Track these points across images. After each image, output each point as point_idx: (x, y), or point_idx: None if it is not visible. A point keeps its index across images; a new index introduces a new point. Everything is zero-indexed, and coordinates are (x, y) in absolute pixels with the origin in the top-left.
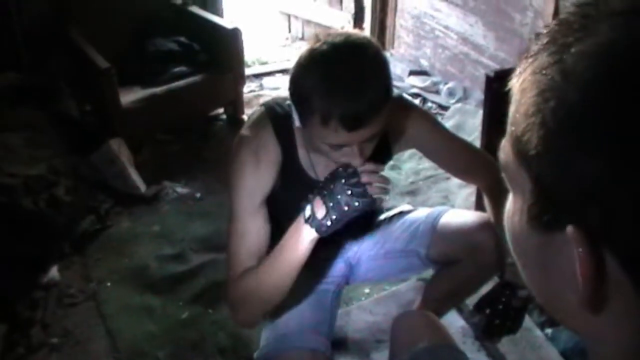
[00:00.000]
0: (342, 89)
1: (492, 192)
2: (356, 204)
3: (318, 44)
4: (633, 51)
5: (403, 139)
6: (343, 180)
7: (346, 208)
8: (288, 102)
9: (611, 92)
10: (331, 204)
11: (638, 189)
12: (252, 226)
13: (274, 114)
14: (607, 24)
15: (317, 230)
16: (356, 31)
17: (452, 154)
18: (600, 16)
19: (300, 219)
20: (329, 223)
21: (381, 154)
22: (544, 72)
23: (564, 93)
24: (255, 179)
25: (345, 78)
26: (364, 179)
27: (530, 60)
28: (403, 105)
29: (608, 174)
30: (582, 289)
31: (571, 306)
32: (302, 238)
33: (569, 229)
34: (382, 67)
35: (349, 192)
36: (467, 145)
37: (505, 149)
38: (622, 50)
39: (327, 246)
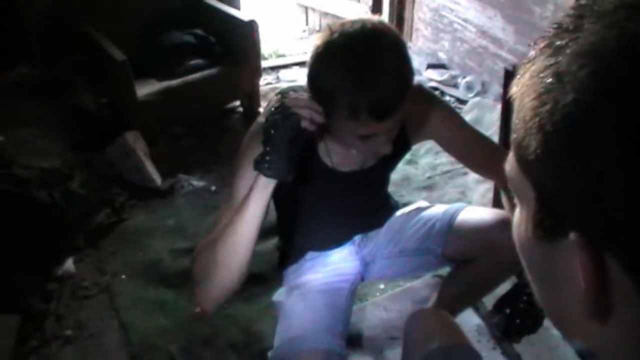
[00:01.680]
0: (368, 81)
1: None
2: (278, 120)
3: (334, 36)
4: (625, 48)
5: (421, 129)
6: (277, 116)
7: (273, 131)
8: (305, 91)
9: (606, 91)
10: (267, 139)
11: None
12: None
13: None
14: (601, 23)
15: (258, 170)
16: (369, 16)
17: (469, 146)
18: (593, 16)
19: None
20: (267, 158)
21: (399, 144)
22: (540, 75)
23: (559, 95)
24: None
25: (369, 69)
26: (291, 99)
27: (528, 65)
28: (421, 95)
29: (608, 175)
30: (585, 295)
31: (579, 318)
32: (250, 186)
33: (571, 235)
34: (402, 51)
35: (280, 121)
36: (485, 139)
37: (509, 159)
38: (615, 47)
39: (339, 242)
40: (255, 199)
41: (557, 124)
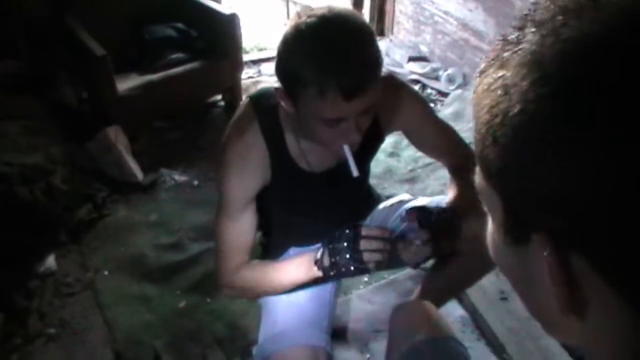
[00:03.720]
0: (337, 55)
1: (456, 172)
2: (352, 268)
3: (302, 19)
4: (561, 54)
5: (393, 119)
6: (345, 243)
7: (343, 269)
8: (275, 89)
9: (546, 98)
10: (333, 260)
11: (595, 189)
12: (240, 224)
13: (259, 107)
14: (539, 32)
15: (322, 274)
16: (338, 5)
17: (432, 136)
18: (533, 25)
19: (312, 256)
20: (331, 273)
21: (372, 135)
22: (491, 89)
23: (507, 107)
24: (243, 180)
25: (338, 48)
26: (363, 244)
27: (481, 77)
28: (394, 84)
29: (562, 178)
30: (556, 294)
31: (559, 317)
32: (308, 273)
33: (535, 237)
34: (370, 35)
35: (347, 255)
36: (446, 128)
37: (477, 172)
38: (552, 54)
39: (321, 237)
40: (307, 280)
41: (507, 135)
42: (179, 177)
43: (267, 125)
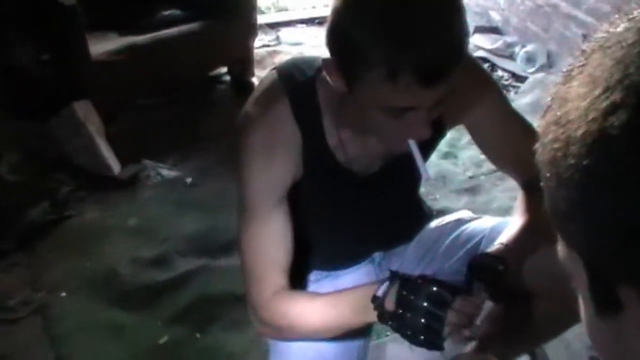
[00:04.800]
0: (415, 32)
1: (528, 189)
2: (421, 337)
3: None
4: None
5: (462, 112)
6: (426, 303)
7: (409, 332)
8: (324, 61)
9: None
10: (400, 311)
11: None
12: (272, 230)
13: (291, 82)
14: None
15: (378, 317)
16: None
17: (505, 138)
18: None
19: (369, 292)
20: (389, 323)
21: (433, 130)
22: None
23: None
24: (270, 173)
25: (416, 18)
26: (450, 317)
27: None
28: (473, 69)
29: None
30: None
31: None
32: (362, 314)
33: (622, 291)
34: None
35: (423, 320)
36: (525, 129)
37: (559, 241)
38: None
39: (353, 260)
40: (360, 324)
41: (572, 163)
42: (168, 172)
43: (301, 104)
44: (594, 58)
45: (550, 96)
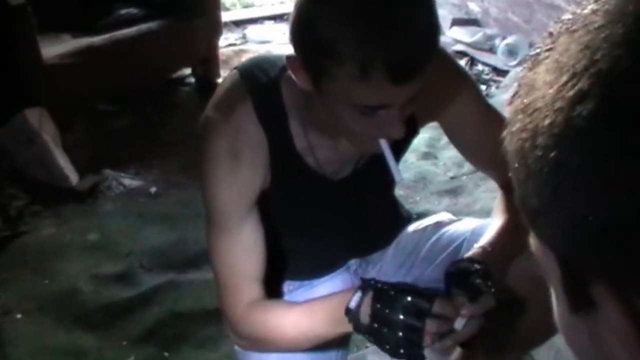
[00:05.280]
0: (386, 26)
1: (509, 191)
2: (401, 350)
3: None
4: None
5: (432, 106)
6: (402, 316)
7: (388, 347)
8: (288, 59)
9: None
10: (376, 326)
11: None
12: (243, 241)
13: (254, 82)
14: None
15: (354, 330)
16: None
17: (482, 137)
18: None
19: (343, 302)
20: (366, 336)
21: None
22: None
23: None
24: (237, 181)
25: (387, 11)
26: (429, 327)
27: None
28: (446, 63)
29: (628, 209)
30: (627, 354)
31: None
32: (338, 326)
33: (594, 289)
34: None
35: (401, 334)
36: (504, 128)
37: (531, 234)
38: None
39: (328, 268)
40: (335, 335)
41: (541, 155)
42: (130, 182)
43: (266, 107)
44: (560, 42)
45: (518, 81)
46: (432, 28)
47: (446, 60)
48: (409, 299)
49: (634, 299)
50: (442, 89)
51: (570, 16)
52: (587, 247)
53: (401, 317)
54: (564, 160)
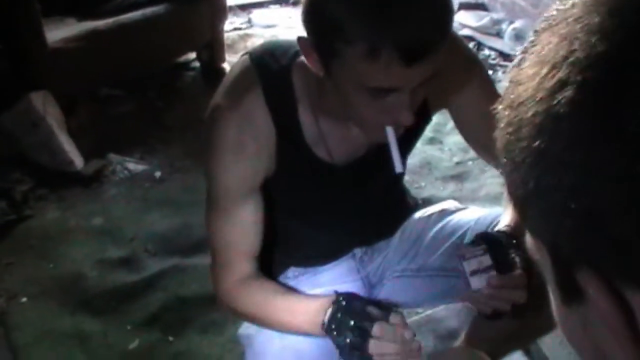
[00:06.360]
0: (397, 7)
1: None
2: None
3: None
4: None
5: (444, 93)
6: (348, 339)
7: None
8: (299, 40)
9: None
10: (337, 335)
11: None
12: (241, 222)
13: (264, 68)
14: None
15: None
16: None
17: (491, 126)
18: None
19: (322, 310)
20: (336, 347)
21: (418, 113)
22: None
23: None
24: (240, 168)
25: None
26: (373, 346)
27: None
28: (459, 49)
29: (611, 198)
30: (617, 343)
31: None
32: (316, 330)
33: (581, 277)
34: None
35: (348, 340)
36: None
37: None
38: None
39: (333, 256)
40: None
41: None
42: (135, 167)
43: (275, 94)
44: (542, 37)
45: (507, 80)
46: (445, 9)
47: (459, 46)
48: (352, 322)
49: (620, 285)
50: (455, 74)
51: (553, 12)
52: (572, 235)
53: (348, 340)
54: (545, 148)
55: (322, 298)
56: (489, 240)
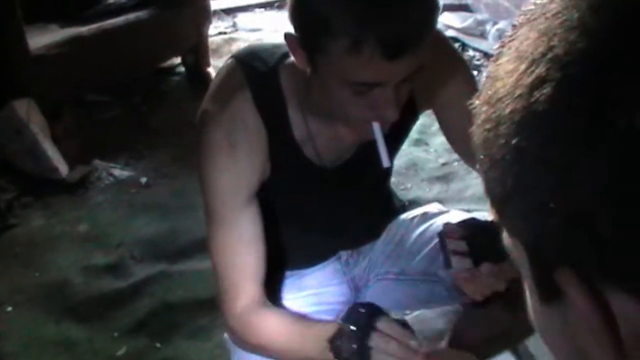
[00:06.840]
0: (381, 1)
1: None
2: None
3: None
4: None
5: (433, 94)
6: (354, 327)
7: None
8: (286, 37)
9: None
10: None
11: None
12: (243, 234)
13: (251, 71)
14: None
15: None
16: None
17: (470, 126)
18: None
19: (327, 330)
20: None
21: (405, 112)
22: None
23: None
24: (235, 172)
25: None
26: (376, 340)
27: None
28: (444, 46)
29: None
30: (596, 344)
31: None
32: (326, 352)
33: (560, 275)
34: None
35: (355, 346)
36: None
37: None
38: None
39: (319, 258)
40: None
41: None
42: (121, 173)
43: (264, 95)
44: (521, 32)
45: (485, 75)
46: (429, 5)
47: (444, 44)
48: (354, 346)
49: (600, 286)
50: (440, 71)
51: (532, 7)
52: (552, 235)
53: (353, 327)
54: (524, 146)
55: (334, 323)
56: (474, 226)
